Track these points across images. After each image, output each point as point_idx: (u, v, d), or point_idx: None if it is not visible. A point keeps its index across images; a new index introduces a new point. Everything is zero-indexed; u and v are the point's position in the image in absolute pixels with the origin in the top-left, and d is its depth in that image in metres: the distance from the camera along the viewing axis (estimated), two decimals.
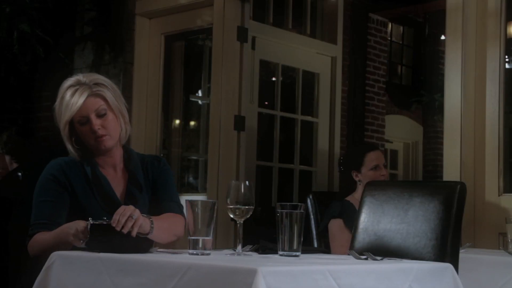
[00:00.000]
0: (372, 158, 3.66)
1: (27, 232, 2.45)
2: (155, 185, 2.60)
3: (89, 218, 2.16)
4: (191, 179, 5.79)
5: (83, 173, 2.51)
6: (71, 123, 2.48)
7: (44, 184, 2.49)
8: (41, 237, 2.40)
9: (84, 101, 2.45)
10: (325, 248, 3.57)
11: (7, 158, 4.77)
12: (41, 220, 2.43)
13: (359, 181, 3.65)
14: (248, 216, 2.14)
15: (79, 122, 2.47)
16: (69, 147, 2.52)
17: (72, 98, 2.44)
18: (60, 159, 2.56)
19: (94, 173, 2.51)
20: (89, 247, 2.12)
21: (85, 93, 2.46)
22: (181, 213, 2.54)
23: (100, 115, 2.47)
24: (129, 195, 2.52)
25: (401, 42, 9.36)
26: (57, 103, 2.49)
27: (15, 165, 4.75)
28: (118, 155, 2.57)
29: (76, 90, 2.45)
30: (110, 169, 2.56)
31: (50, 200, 2.46)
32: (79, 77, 2.50)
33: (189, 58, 5.54)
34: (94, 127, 2.45)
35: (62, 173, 2.49)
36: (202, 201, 2.08)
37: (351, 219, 3.33)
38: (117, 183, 2.55)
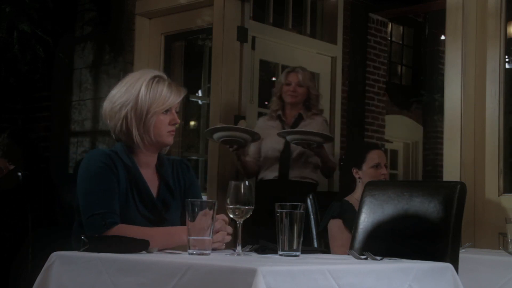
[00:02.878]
0: (374, 156, 3.67)
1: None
2: (185, 194, 2.57)
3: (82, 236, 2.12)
4: None
5: (124, 167, 2.44)
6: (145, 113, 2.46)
7: (98, 172, 2.37)
8: (139, 232, 2.26)
9: (178, 96, 2.49)
10: (325, 248, 3.57)
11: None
12: (108, 209, 2.31)
13: (359, 178, 3.65)
14: (248, 216, 2.14)
15: (165, 110, 2.47)
16: (137, 135, 2.45)
17: (167, 90, 2.46)
18: (101, 150, 2.52)
19: (136, 169, 2.46)
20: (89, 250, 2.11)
21: (178, 89, 2.50)
22: None
23: (177, 112, 2.53)
24: (162, 199, 2.49)
25: (401, 42, 9.36)
26: (141, 91, 2.44)
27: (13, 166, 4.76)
28: (156, 157, 2.55)
29: (169, 84, 2.48)
30: (144, 170, 2.51)
31: (110, 187, 2.36)
32: (156, 72, 2.52)
33: (189, 58, 5.54)
34: (177, 119, 2.49)
35: (111, 162, 2.41)
36: (202, 201, 2.08)
37: (350, 220, 3.33)
38: (152, 185, 2.50)
